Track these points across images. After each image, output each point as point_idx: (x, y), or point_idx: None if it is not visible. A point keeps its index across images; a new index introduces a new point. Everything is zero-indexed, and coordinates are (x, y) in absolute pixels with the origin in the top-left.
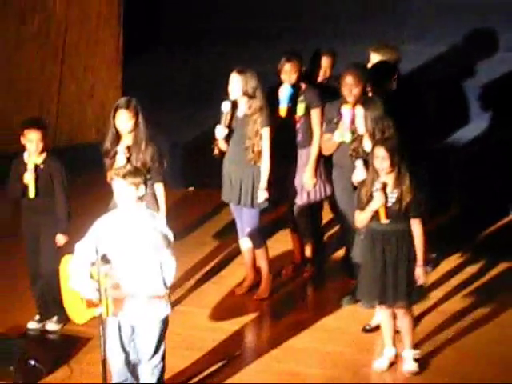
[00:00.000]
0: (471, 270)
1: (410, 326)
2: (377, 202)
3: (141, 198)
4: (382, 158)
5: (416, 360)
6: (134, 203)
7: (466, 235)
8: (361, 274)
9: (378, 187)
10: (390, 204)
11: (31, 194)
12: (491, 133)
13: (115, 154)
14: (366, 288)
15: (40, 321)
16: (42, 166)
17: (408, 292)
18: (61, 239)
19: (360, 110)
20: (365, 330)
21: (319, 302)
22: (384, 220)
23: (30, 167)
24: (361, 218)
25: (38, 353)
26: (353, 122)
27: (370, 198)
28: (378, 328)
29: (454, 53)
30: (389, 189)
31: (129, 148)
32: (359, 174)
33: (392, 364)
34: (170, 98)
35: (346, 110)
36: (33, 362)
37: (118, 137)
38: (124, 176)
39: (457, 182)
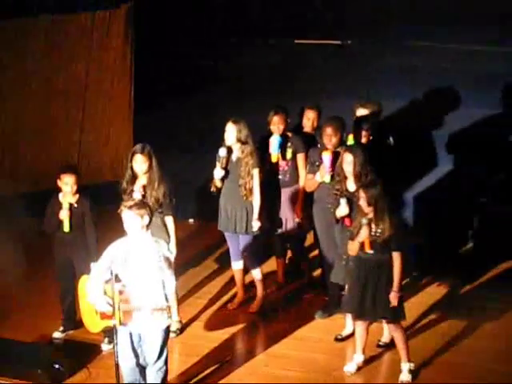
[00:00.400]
0: (434, 291)
1: (402, 340)
2: (362, 235)
3: (145, 227)
4: (363, 199)
5: (410, 371)
6: (139, 230)
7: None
8: (347, 292)
9: (364, 222)
10: (374, 237)
11: (66, 228)
12: (456, 175)
13: (132, 192)
14: (350, 302)
15: (63, 331)
16: (75, 205)
17: (392, 311)
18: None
19: (348, 156)
20: (336, 339)
21: (297, 315)
22: (368, 250)
23: (66, 206)
24: (351, 247)
25: (61, 358)
26: (332, 165)
27: (358, 231)
28: (347, 338)
29: (418, 107)
30: (373, 225)
31: (144, 187)
32: (342, 210)
33: (359, 368)
34: (172, 144)
35: (325, 155)
36: (57, 366)
37: (134, 177)
38: (130, 207)
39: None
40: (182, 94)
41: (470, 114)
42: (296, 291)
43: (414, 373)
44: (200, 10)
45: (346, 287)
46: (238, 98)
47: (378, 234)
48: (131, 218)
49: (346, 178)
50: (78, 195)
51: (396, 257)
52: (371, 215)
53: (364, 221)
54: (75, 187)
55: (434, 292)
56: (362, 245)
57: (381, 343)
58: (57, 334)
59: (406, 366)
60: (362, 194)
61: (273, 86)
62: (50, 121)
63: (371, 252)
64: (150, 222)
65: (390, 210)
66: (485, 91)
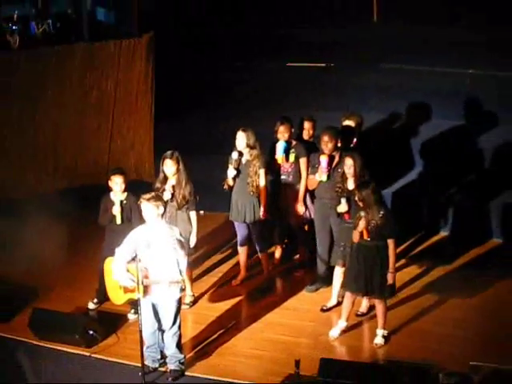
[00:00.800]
0: (423, 276)
1: (383, 312)
2: (361, 225)
3: (160, 215)
4: (359, 199)
5: (384, 336)
6: (156, 218)
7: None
8: (348, 272)
9: (362, 215)
10: (369, 227)
11: (118, 221)
12: (427, 176)
13: (163, 190)
14: (351, 282)
15: (97, 303)
16: (125, 202)
17: (381, 289)
18: None
19: (349, 161)
20: (322, 310)
21: (288, 289)
22: (366, 238)
23: (117, 202)
24: (354, 236)
25: (95, 326)
26: (328, 166)
27: (358, 222)
28: (331, 308)
29: (391, 120)
30: (369, 217)
31: (173, 186)
32: (342, 207)
33: (342, 333)
34: (188, 149)
35: (322, 158)
36: (91, 332)
37: (165, 178)
38: (148, 200)
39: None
40: (197, 107)
41: (437, 125)
42: (288, 270)
43: (386, 338)
44: (209, 39)
45: (345, 269)
46: (237, 111)
47: (372, 225)
48: (149, 208)
49: (346, 178)
50: (126, 193)
51: (390, 243)
52: (366, 209)
53: (362, 213)
54: (123, 186)
55: (411, 272)
56: (361, 234)
57: (359, 313)
58: (91, 305)
59: (380, 332)
60: (357, 195)
61: (268, 100)
62: (85, 130)
63: (368, 239)
64: (165, 211)
65: (380, 204)
66: (451, 106)
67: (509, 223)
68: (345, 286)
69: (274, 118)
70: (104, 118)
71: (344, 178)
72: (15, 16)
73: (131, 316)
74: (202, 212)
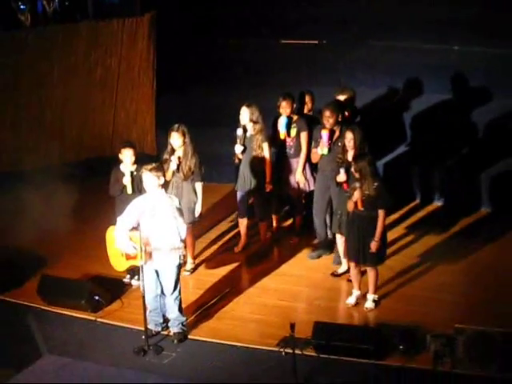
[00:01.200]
0: (413, 243)
1: (374, 278)
2: (355, 196)
3: (161, 185)
4: (354, 170)
5: (374, 301)
6: (156, 188)
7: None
8: (347, 242)
9: (357, 186)
10: (363, 198)
11: (129, 191)
12: (419, 148)
13: (170, 161)
14: (351, 250)
15: (130, 278)
16: (135, 173)
17: (373, 257)
18: None
19: (349, 134)
20: (333, 275)
21: (284, 256)
22: (360, 207)
23: (128, 173)
24: (349, 205)
25: (100, 291)
26: (329, 140)
27: (353, 193)
28: (341, 275)
29: (393, 94)
30: (363, 188)
31: (179, 158)
32: (341, 177)
33: (357, 302)
34: (188, 123)
35: (324, 133)
36: (97, 298)
37: (172, 150)
38: (150, 170)
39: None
40: (196, 83)
41: (427, 99)
42: (285, 237)
43: (376, 302)
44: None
45: (344, 238)
46: (234, 86)
47: (366, 196)
48: (150, 178)
49: (346, 151)
50: (135, 165)
51: (380, 213)
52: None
53: (357, 184)
54: (134, 158)
55: (400, 240)
56: (355, 203)
57: (335, 273)
58: (125, 279)
59: (371, 297)
60: (354, 166)
61: (263, 76)
62: (90, 104)
63: (362, 209)
64: (165, 182)
65: (375, 176)
66: (439, 80)
67: (497, 194)
68: (345, 254)
69: (270, 92)
70: (108, 93)
71: (344, 150)
72: None
73: (134, 282)
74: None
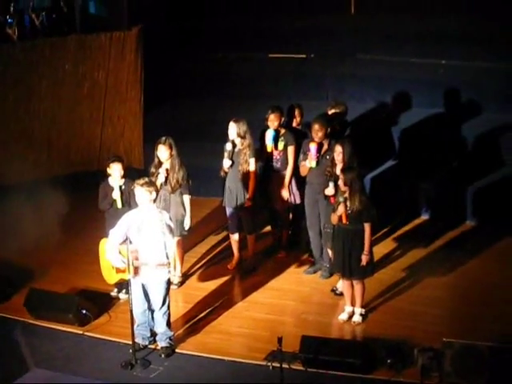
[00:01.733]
0: (401, 257)
1: (360, 292)
2: (340, 210)
3: (152, 200)
4: (341, 180)
5: (361, 315)
6: (148, 203)
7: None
8: (333, 256)
9: (341, 200)
10: (349, 212)
11: (119, 205)
12: (406, 162)
13: (158, 174)
14: (334, 264)
15: (117, 292)
16: (123, 187)
17: (360, 270)
18: None
19: (338, 147)
20: (332, 291)
21: (272, 270)
22: (345, 221)
23: (117, 187)
24: (332, 219)
25: (88, 305)
26: (317, 153)
27: (337, 206)
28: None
29: (382, 108)
30: (348, 202)
31: (167, 170)
32: (330, 190)
33: (350, 317)
34: (176, 137)
35: (312, 146)
36: (84, 311)
37: (159, 163)
38: (142, 185)
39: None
40: (184, 97)
41: (415, 113)
42: (271, 252)
43: (364, 316)
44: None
45: (331, 252)
46: (222, 100)
47: (351, 209)
48: (142, 193)
49: (335, 164)
50: (124, 179)
51: (366, 226)
52: (347, 194)
53: (341, 199)
54: (122, 172)
55: (388, 253)
56: (340, 217)
57: (337, 292)
58: (113, 293)
59: (358, 311)
60: (340, 177)
61: (251, 90)
62: (77, 118)
63: (346, 223)
64: (157, 196)
65: (361, 190)
66: (427, 95)
67: (482, 207)
68: (331, 267)
69: (258, 106)
70: (95, 107)
71: (333, 163)
72: (11, 9)
73: (122, 295)
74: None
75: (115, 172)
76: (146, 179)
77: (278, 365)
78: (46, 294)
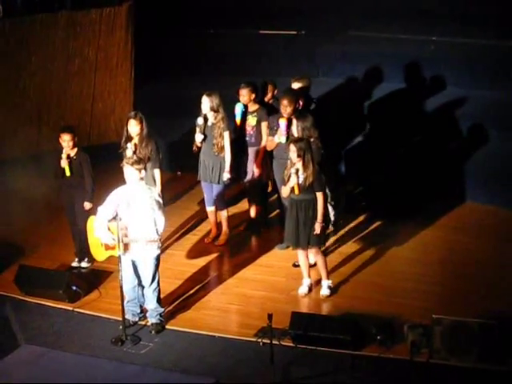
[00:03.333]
0: (363, 227)
1: (323, 263)
2: (292, 182)
3: (142, 178)
4: (293, 151)
5: (329, 287)
6: (137, 181)
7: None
8: (285, 227)
9: (292, 171)
10: (300, 182)
11: (67, 173)
12: (378, 136)
13: (126, 148)
14: (287, 235)
15: (78, 261)
16: (74, 157)
17: (315, 239)
18: (87, 205)
19: (294, 121)
20: (294, 266)
21: (261, 246)
22: (297, 193)
23: (64, 156)
24: (284, 191)
25: (78, 281)
26: (286, 129)
27: (288, 178)
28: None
29: (355, 84)
30: (300, 172)
31: (135, 145)
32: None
33: (310, 289)
34: (164, 112)
35: (281, 121)
36: (74, 288)
37: (129, 137)
38: (132, 164)
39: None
40: (174, 73)
41: (391, 88)
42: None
43: (332, 289)
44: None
45: (285, 224)
46: (214, 77)
47: (304, 180)
48: (131, 172)
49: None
50: (76, 149)
51: (319, 196)
52: (298, 165)
53: (292, 170)
54: (71, 143)
55: (374, 231)
56: (292, 189)
57: (296, 264)
58: (74, 264)
59: (325, 283)
60: (292, 148)
61: (241, 66)
62: (68, 94)
63: (299, 194)
64: (145, 174)
65: (313, 160)
66: (410, 71)
67: (461, 183)
68: (284, 239)
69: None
70: (86, 83)
71: (292, 138)
72: None
73: (84, 264)
74: (179, 173)
75: (64, 142)
76: (135, 157)
77: (268, 341)
78: (36, 270)
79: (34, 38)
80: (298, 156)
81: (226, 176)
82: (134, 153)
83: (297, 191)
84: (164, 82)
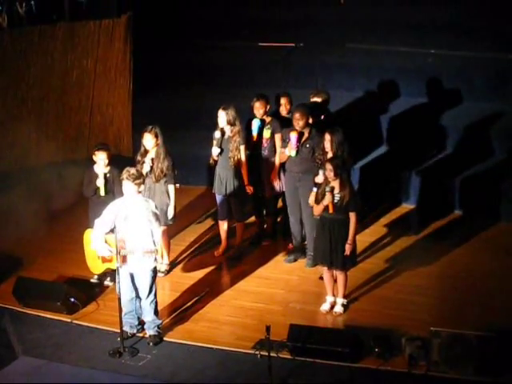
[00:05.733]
0: (388, 246)
1: (343, 282)
2: (326, 200)
3: (139, 192)
4: (329, 170)
5: (343, 305)
6: (135, 194)
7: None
8: (314, 246)
9: (328, 190)
10: (335, 201)
11: (102, 193)
12: (394, 151)
13: (143, 163)
14: (318, 254)
15: (98, 278)
16: (108, 175)
17: (343, 260)
18: None
19: (328, 136)
20: (321, 278)
21: (260, 258)
22: (331, 211)
23: (101, 175)
24: (316, 209)
25: (76, 293)
26: (297, 142)
27: (323, 196)
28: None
29: (355, 96)
30: (336, 191)
31: (152, 159)
32: (320, 178)
33: (332, 307)
34: (163, 124)
35: (292, 135)
36: (73, 300)
37: (145, 152)
38: (130, 178)
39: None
40: (173, 85)
41: (403, 102)
42: (257, 240)
43: (345, 307)
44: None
45: (314, 242)
46: (212, 89)
47: (339, 199)
48: (129, 185)
49: (326, 153)
50: (109, 166)
51: (352, 216)
52: (334, 183)
53: (327, 188)
54: (107, 161)
55: (374, 242)
56: (325, 207)
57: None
58: (93, 279)
59: (340, 301)
60: (328, 166)
61: (240, 79)
62: (66, 106)
63: (333, 213)
64: (143, 187)
65: (349, 180)
66: (413, 84)
67: (470, 196)
68: (313, 258)
69: (247, 94)
70: (84, 95)
71: (324, 151)
72: None
73: (107, 282)
74: (177, 185)
75: (100, 160)
76: (134, 171)
77: (266, 353)
78: (34, 282)
79: (33, 50)
80: (335, 175)
81: (248, 189)
82: (151, 167)
83: (331, 210)
84: (162, 95)
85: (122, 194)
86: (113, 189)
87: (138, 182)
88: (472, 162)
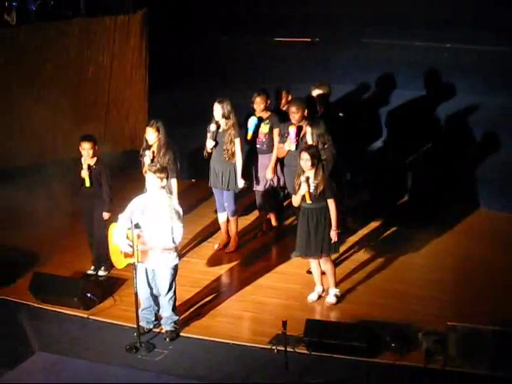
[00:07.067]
0: (377, 234)
1: (331, 270)
2: (302, 190)
3: (163, 187)
4: (305, 160)
5: (336, 295)
6: (158, 189)
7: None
8: (297, 236)
9: (303, 180)
10: (311, 190)
11: (87, 183)
12: (391, 144)
13: (144, 156)
14: (299, 245)
15: (94, 270)
16: (94, 166)
17: (326, 247)
18: (106, 215)
19: (308, 129)
20: (308, 272)
21: (277, 254)
22: (308, 201)
23: (85, 166)
24: (294, 200)
25: (93, 289)
26: (296, 136)
27: (299, 187)
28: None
29: (368, 90)
30: (311, 180)
31: (153, 153)
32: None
33: (320, 297)
34: (178, 120)
35: (291, 129)
36: (89, 295)
37: (147, 146)
38: (154, 172)
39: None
40: (188, 80)
41: (404, 95)
42: (274, 236)
43: (339, 297)
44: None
45: (297, 232)
46: (228, 84)
47: (315, 187)
48: (153, 179)
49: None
50: (95, 158)
51: (330, 202)
52: (309, 173)
53: (303, 178)
54: (91, 151)
55: (386, 238)
56: (303, 197)
57: (310, 271)
58: (90, 271)
59: (332, 291)
60: (304, 156)
61: (256, 74)
62: (82, 102)
63: (310, 202)
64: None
65: (323, 167)
66: (423, 79)
67: (481, 191)
68: (296, 249)
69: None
70: (100, 91)
71: (306, 144)
72: None
73: (101, 273)
74: (193, 180)
75: (83, 151)
76: (158, 165)
77: (283, 348)
78: (50, 277)
79: (49, 46)
80: (312, 164)
81: (241, 182)
82: (152, 160)
83: (308, 199)
84: (178, 90)
85: (108, 188)
86: (99, 181)
87: (160, 175)
88: (484, 157)
